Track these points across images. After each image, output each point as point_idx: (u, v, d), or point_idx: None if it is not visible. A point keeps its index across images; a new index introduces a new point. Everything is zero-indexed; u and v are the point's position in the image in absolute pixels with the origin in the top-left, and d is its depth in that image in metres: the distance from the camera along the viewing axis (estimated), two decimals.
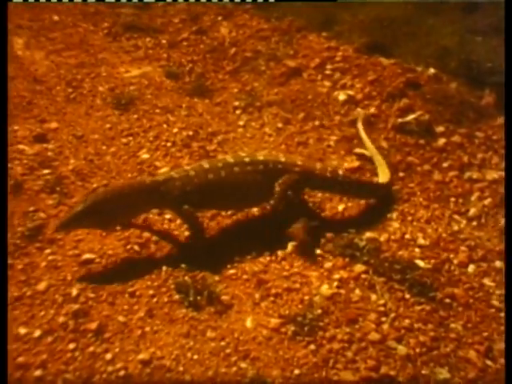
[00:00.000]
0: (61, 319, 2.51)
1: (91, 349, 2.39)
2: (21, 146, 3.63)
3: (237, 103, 4.05)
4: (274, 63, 4.53)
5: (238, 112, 3.98)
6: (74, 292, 2.63)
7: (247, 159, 2.98)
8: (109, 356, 2.37)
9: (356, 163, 3.61)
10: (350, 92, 4.21)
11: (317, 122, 3.94)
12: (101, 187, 3.16)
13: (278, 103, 4.07)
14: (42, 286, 2.67)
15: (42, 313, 2.55)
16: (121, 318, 2.52)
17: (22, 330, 2.46)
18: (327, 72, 4.44)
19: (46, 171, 3.40)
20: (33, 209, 3.09)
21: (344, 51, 4.61)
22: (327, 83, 4.32)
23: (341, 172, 3.22)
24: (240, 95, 4.15)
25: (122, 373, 2.31)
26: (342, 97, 4.16)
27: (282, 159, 3.06)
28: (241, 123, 3.87)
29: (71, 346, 2.40)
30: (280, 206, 2.97)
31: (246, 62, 4.56)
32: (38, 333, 2.46)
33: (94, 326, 2.47)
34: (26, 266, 2.77)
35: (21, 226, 2.97)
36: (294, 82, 4.33)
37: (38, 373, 2.30)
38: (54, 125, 3.83)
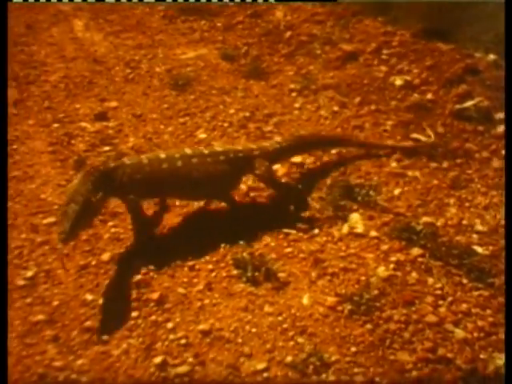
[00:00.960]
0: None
1: (153, 317, 2.47)
2: (83, 124, 3.76)
3: (292, 86, 4.07)
4: (330, 47, 4.52)
5: (293, 94, 4.00)
6: (136, 263, 2.70)
7: (206, 151, 2.93)
8: (170, 325, 2.44)
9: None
10: (407, 77, 4.16)
11: (373, 107, 3.91)
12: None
13: (333, 87, 4.07)
14: (105, 256, 2.75)
15: (106, 281, 2.64)
16: (181, 290, 2.59)
17: (89, 297, 2.56)
18: (383, 57, 4.40)
19: (107, 148, 3.51)
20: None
21: (401, 36, 4.55)
22: (383, 68, 4.28)
23: (281, 139, 3.26)
24: (295, 78, 4.16)
25: (183, 341, 2.37)
26: (398, 82, 4.12)
27: (240, 147, 3.07)
28: (296, 105, 3.88)
29: (134, 313, 2.48)
30: (282, 191, 3.09)
31: (302, 46, 4.56)
32: (101, 300, 2.54)
33: (155, 296, 2.55)
34: (90, 236, 2.88)
35: None
36: (349, 66, 4.31)
37: (104, 337, 2.38)
38: (113, 104, 3.93)
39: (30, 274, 2.69)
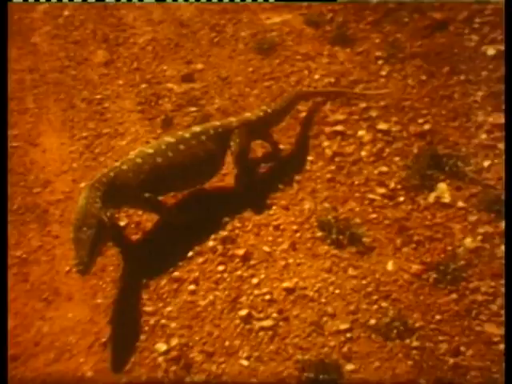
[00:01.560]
0: (210, 243, 2.67)
1: (238, 272, 2.53)
2: (169, 85, 3.83)
3: (379, 53, 3.97)
4: (418, 15, 4.36)
5: (379, 62, 3.91)
6: (223, 220, 2.77)
7: (187, 134, 2.84)
8: (255, 281, 2.50)
9: (502, 120, 3.44)
10: (500, 47, 3.96)
11: (462, 77, 3.76)
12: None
13: (421, 56, 3.94)
14: None
15: (194, 236, 2.72)
16: (266, 248, 2.64)
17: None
18: (475, 26, 4.20)
19: (193, 109, 3.57)
20: None
21: (495, 4, 4.33)
22: (475, 37, 4.10)
23: (267, 108, 3.18)
24: (382, 46, 4.05)
25: (267, 297, 2.42)
26: (490, 52, 3.94)
27: (217, 123, 2.98)
28: (383, 73, 3.80)
29: (220, 267, 2.56)
30: (244, 156, 2.95)
31: (389, 13, 4.43)
32: (190, 253, 2.63)
33: (241, 252, 2.60)
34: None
35: None
36: (439, 35, 4.15)
37: (191, 287, 2.47)
38: (199, 66, 3.98)
39: (121, 224, 2.80)
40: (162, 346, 2.25)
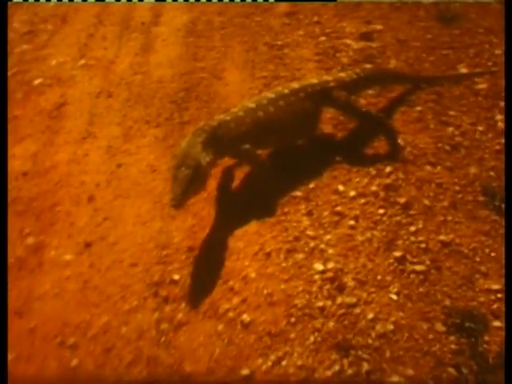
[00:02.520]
0: (373, 188, 2.81)
1: (397, 218, 2.66)
2: (347, 41, 3.97)
3: None
4: None
5: None
6: (387, 169, 2.89)
7: (286, 90, 2.87)
8: (412, 228, 2.61)
9: None
10: None
11: None
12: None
13: None
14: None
15: (357, 179, 2.88)
16: (426, 202, 2.73)
17: (341, 188, 2.83)
18: None
19: (369, 66, 3.68)
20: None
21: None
22: None
23: (359, 70, 3.18)
24: None
25: (422, 245, 2.53)
26: None
27: (315, 81, 2.98)
28: None
29: (380, 211, 2.70)
30: (365, 119, 3.05)
31: None
32: (352, 193, 2.79)
33: (402, 200, 2.72)
34: None
35: None
36: None
37: (351, 222, 2.64)
38: (378, 27, 4.07)
39: None
40: (319, 266, 2.45)
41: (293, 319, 2.27)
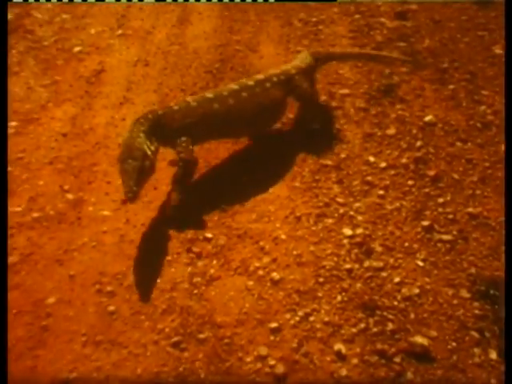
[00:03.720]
0: (403, 160, 2.87)
1: (426, 190, 2.72)
2: (382, 19, 4.01)
3: None
4: None
5: None
6: (418, 144, 2.94)
7: (251, 82, 2.84)
8: (440, 200, 2.67)
9: None
10: None
11: None
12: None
13: None
14: (391, 131, 3.04)
15: (388, 151, 2.94)
16: (455, 176, 2.78)
17: (371, 159, 2.89)
18: None
19: (402, 44, 3.72)
20: (389, 71, 3.46)
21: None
22: None
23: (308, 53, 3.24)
24: None
25: (450, 216, 2.59)
26: None
27: (278, 71, 2.97)
28: None
29: (410, 182, 2.76)
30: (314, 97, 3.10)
31: None
32: (383, 164, 2.85)
33: (431, 173, 2.78)
34: (377, 112, 3.18)
35: (377, 82, 3.37)
36: None
37: (380, 192, 2.71)
38: (413, 6, 4.11)
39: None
40: (347, 231, 2.53)
41: (321, 279, 2.35)
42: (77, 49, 3.96)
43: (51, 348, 2.14)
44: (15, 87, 3.58)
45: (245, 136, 3.00)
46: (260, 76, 2.91)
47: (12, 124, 3.24)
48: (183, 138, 2.62)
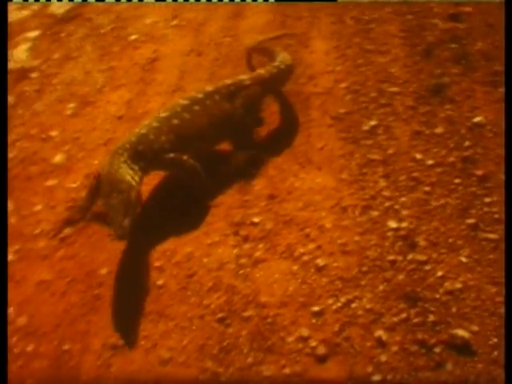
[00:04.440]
0: (451, 159, 2.89)
1: (473, 189, 2.72)
2: (434, 21, 4.01)
3: None
4: None
5: None
6: (466, 144, 2.95)
7: (200, 95, 2.84)
8: (487, 200, 2.67)
9: None
10: None
11: None
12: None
13: None
14: (439, 130, 3.08)
15: (436, 150, 2.97)
16: (502, 177, 2.77)
17: (418, 156, 2.93)
18: None
19: (454, 45, 3.72)
20: (439, 71, 3.47)
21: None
22: None
23: (280, 64, 3.25)
24: None
25: (496, 216, 2.59)
26: None
27: (229, 81, 2.96)
28: None
29: (456, 180, 2.77)
30: (245, 119, 2.94)
31: None
32: (430, 162, 2.89)
33: (479, 173, 2.78)
34: (426, 111, 3.21)
35: (426, 81, 3.39)
36: None
37: (426, 188, 2.73)
38: (467, 9, 4.08)
39: (372, 123, 3.13)
40: (392, 224, 2.56)
41: (364, 268, 2.40)
42: (133, 37, 4.10)
43: (102, 315, 2.25)
44: (74, 72, 3.74)
45: (210, 147, 2.93)
46: (209, 88, 2.94)
47: (70, 106, 3.39)
48: (171, 155, 2.59)
